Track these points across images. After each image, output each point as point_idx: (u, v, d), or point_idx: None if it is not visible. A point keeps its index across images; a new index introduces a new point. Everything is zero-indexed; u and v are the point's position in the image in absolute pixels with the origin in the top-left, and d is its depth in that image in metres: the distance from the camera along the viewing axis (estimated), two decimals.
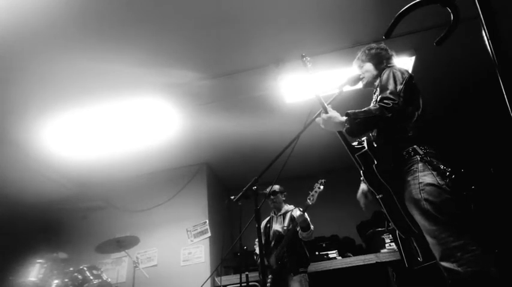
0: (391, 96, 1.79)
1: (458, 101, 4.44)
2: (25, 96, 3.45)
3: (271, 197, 3.65)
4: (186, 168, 5.19)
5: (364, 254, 4.07)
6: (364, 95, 2.51)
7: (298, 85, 3.61)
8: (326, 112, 1.98)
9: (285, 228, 3.51)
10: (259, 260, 3.64)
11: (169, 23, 2.90)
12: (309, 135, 2.47)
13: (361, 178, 2.00)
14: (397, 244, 3.73)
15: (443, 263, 1.59)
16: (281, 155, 2.07)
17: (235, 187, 5.54)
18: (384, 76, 1.97)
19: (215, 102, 3.90)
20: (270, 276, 3.35)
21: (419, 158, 1.78)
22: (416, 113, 1.91)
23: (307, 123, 2.14)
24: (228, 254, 4.59)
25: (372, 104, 2.07)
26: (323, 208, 4.94)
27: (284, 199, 3.78)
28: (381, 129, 1.92)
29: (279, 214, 3.69)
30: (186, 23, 2.93)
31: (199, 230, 4.69)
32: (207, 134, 4.46)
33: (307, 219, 3.31)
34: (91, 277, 3.64)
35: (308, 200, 3.30)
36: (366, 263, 3.90)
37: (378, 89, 2.02)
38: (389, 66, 2.10)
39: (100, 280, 3.66)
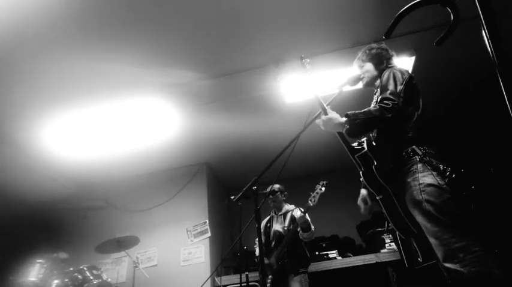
0: (391, 97, 1.79)
1: (458, 101, 4.44)
2: (25, 96, 3.45)
3: (270, 196, 3.63)
4: (186, 168, 5.19)
5: (364, 254, 4.07)
6: (364, 95, 2.51)
7: (298, 85, 3.61)
8: (326, 114, 1.98)
9: (286, 228, 3.51)
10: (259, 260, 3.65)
11: (169, 23, 2.90)
12: (309, 136, 2.47)
13: (361, 179, 2.00)
14: (397, 244, 3.73)
15: (447, 264, 1.59)
16: (281, 155, 2.07)
17: (235, 187, 5.54)
18: (384, 77, 1.96)
19: (215, 102, 3.90)
20: (270, 276, 3.35)
21: (418, 159, 1.78)
22: (416, 114, 1.91)
23: (307, 124, 2.13)
24: (228, 254, 4.59)
25: (372, 105, 2.07)
26: (323, 208, 4.93)
27: (284, 198, 3.77)
28: (381, 129, 1.92)
29: (280, 213, 3.69)
30: (186, 23, 2.93)
31: (199, 230, 4.69)
32: (207, 134, 4.46)
33: (308, 220, 3.30)
34: (91, 277, 3.64)
35: (309, 202, 3.29)
36: (366, 263, 3.90)
37: (379, 89, 2.02)
38: (390, 67, 2.10)
39: (100, 280, 3.66)
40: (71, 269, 3.69)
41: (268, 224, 3.71)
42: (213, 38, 3.11)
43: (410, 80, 1.91)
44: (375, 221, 4.45)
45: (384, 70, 2.13)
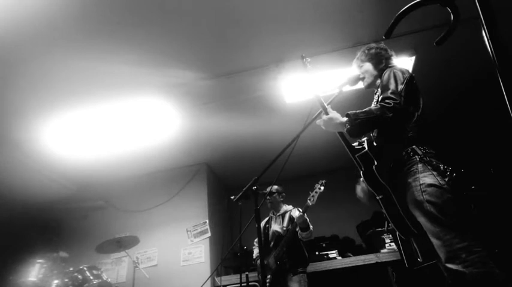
0: (393, 96, 1.78)
1: (458, 101, 4.44)
2: (25, 96, 3.45)
3: (268, 197, 3.63)
4: (186, 168, 5.20)
5: (364, 254, 4.07)
6: (364, 95, 2.51)
7: (298, 85, 3.61)
8: (326, 113, 1.97)
9: (284, 228, 3.51)
10: (257, 261, 3.65)
11: (170, 23, 2.90)
12: (309, 136, 2.47)
13: (361, 179, 2.00)
14: (397, 244, 3.73)
15: (449, 265, 1.58)
16: (281, 155, 2.07)
17: (235, 187, 5.53)
18: (385, 76, 1.96)
19: (215, 102, 3.90)
20: (268, 276, 3.35)
21: (418, 159, 1.77)
22: (416, 114, 1.91)
23: (307, 124, 2.13)
24: (228, 254, 4.59)
25: (373, 104, 2.07)
26: (323, 208, 4.94)
27: (282, 199, 3.77)
28: (382, 129, 1.92)
29: (278, 214, 3.69)
30: (186, 23, 2.93)
31: (199, 230, 4.69)
32: (207, 134, 4.46)
33: (306, 220, 3.31)
34: (91, 277, 3.64)
35: (308, 201, 3.30)
36: (366, 263, 3.90)
37: (379, 89, 2.02)
38: (390, 67, 2.10)
39: (100, 280, 3.66)
40: (71, 269, 3.69)
41: (267, 225, 3.71)
42: (213, 38, 3.11)
43: (411, 80, 1.91)
44: (375, 221, 4.45)
45: (384, 70, 2.13)
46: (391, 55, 2.21)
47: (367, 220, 4.72)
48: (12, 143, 4.02)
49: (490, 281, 1.50)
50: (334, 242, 4.57)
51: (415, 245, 1.98)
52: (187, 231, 4.72)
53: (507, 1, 2.90)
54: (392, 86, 1.85)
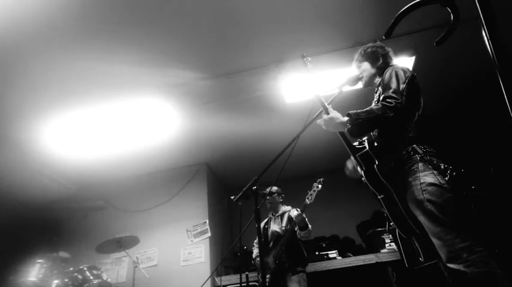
0: (394, 95, 1.78)
1: (458, 100, 4.44)
2: (25, 96, 3.45)
3: (267, 198, 3.65)
4: (186, 168, 5.20)
5: (364, 254, 4.07)
6: (364, 95, 2.51)
7: (298, 85, 3.61)
8: (327, 113, 1.97)
9: (283, 228, 3.52)
10: (257, 260, 3.65)
11: (170, 23, 2.90)
12: (309, 136, 2.47)
13: (362, 179, 2.00)
14: (397, 244, 3.73)
15: (450, 265, 1.58)
16: (281, 155, 2.07)
17: (235, 187, 5.54)
18: (387, 75, 1.95)
19: (215, 102, 3.90)
20: (268, 276, 3.35)
21: (418, 158, 1.77)
22: (417, 113, 1.91)
23: (307, 124, 2.13)
24: (228, 254, 4.59)
25: (374, 104, 2.07)
26: (323, 208, 4.96)
27: (281, 200, 3.79)
28: (383, 129, 1.92)
29: (277, 214, 3.70)
30: (186, 24, 2.93)
31: (199, 230, 4.69)
32: (207, 134, 4.46)
33: (305, 218, 3.32)
34: (91, 277, 3.64)
35: (306, 200, 3.32)
36: (366, 263, 3.90)
37: (380, 88, 2.01)
38: (391, 65, 2.10)
39: (100, 280, 3.66)
40: (71, 269, 3.69)
41: (266, 226, 3.72)
42: (213, 38, 3.11)
43: (413, 79, 1.90)
44: (375, 221, 4.45)
45: (382, 67, 2.13)
46: (388, 51, 2.21)
47: (367, 220, 4.72)
48: (12, 143, 4.02)
49: (491, 281, 1.50)
50: (334, 242, 4.57)
51: (416, 244, 1.98)
52: (187, 231, 4.72)
53: (507, 1, 2.90)
54: (394, 85, 1.84)
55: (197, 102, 3.84)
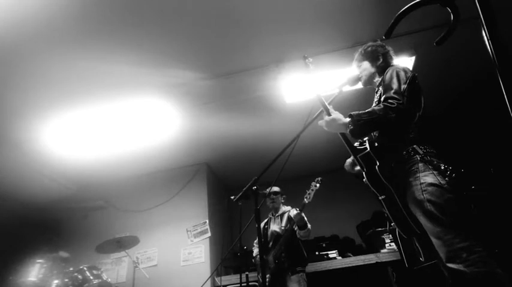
0: (396, 96, 1.77)
1: (458, 100, 4.44)
2: (25, 96, 3.45)
3: (272, 196, 3.68)
4: (186, 168, 5.20)
5: (364, 254, 4.07)
6: (364, 95, 2.51)
7: (298, 85, 3.61)
8: (329, 114, 1.96)
9: (283, 228, 3.52)
10: (257, 259, 3.65)
11: (170, 23, 2.90)
12: (309, 136, 2.47)
13: (364, 179, 2.00)
14: (397, 244, 3.73)
15: (450, 265, 1.58)
16: (281, 155, 2.07)
17: (235, 187, 5.54)
18: (387, 75, 1.94)
19: (215, 102, 3.90)
20: (268, 275, 3.35)
21: (419, 158, 1.77)
22: (418, 114, 1.91)
23: (307, 124, 2.13)
24: (228, 254, 4.59)
25: (374, 103, 2.07)
26: (323, 208, 4.97)
27: (283, 201, 3.81)
28: (384, 129, 1.91)
29: (277, 214, 3.71)
30: (186, 24, 2.93)
31: (199, 230, 4.69)
32: (207, 134, 4.46)
33: (304, 218, 3.33)
34: (91, 277, 3.64)
35: (305, 199, 3.33)
36: (366, 263, 3.90)
37: (381, 88, 2.01)
38: (392, 65, 2.10)
39: (100, 280, 3.66)
40: (71, 269, 3.69)
41: (266, 226, 3.73)
42: (213, 38, 3.11)
43: (414, 79, 1.90)
44: (375, 221, 4.45)
45: (382, 67, 2.13)
46: (388, 51, 2.21)
47: (367, 220, 4.72)
48: (12, 143, 4.02)
49: (491, 281, 1.49)
50: (334, 242, 4.57)
51: (417, 244, 1.98)
52: (187, 231, 4.72)
53: (507, 1, 2.90)
54: (395, 86, 1.84)
55: (197, 102, 3.84)
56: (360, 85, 2.27)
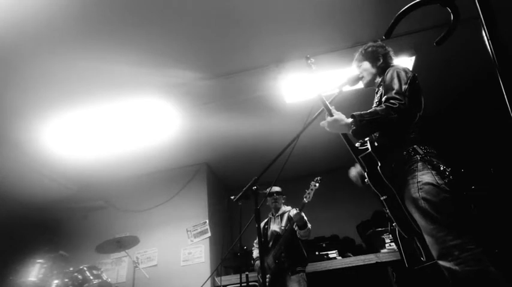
0: (397, 97, 1.77)
1: (459, 100, 4.44)
2: (25, 96, 3.45)
3: (275, 196, 3.68)
4: (186, 168, 5.20)
5: (364, 254, 4.07)
6: (364, 95, 2.51)
7: (298, 85, 3.61)
8: (331, 115, 1.95)
9: (283, 228, 3.52)
10: (256, 263, 3.65)
11: (170, 23, 2.90)
12: (308, 136, 2.47)
13: (366, 180, 2.00)
14: (397, 244, 3.73)
15: (441, 262, 1.59)
16: (281, 155, 2.07)
17: (235, 187, 5.54)
18: (388, 76, 1.95)
19: (215, 102, 3.90)
20: (268, 276, 3.35)
21: (419, 158, 1.78)
22: (418, 114, 1.91)
23: (307, 124, 2.13)
24: (228, 254, 4.59)
25: (374, 103, 2.07)
26: (323, 208, 4.97)
27: (283, 201, 3.81)
28: (386, 130, 1.91)
29: (277, 214, 3.71)
30: (186, 24, 2.93)
31: (199, 230, 4.69)
32: (207, 134, 4.46)
33: (303, 217, 3.32)
34: (91, 277, 3.64)
35: (304, 199, 3.33)
36: (366, 263, 3.90)
37: (381, 88, 2.01)
38: (392, 66, 2.10)
39: (100, 280, 3.66)
40: (71, 269, 3.69)
41: (266, 226, 3.73)
42: (213, 38, 3.11)
43: (414, 80, 1.90)
44: (375, 221, 4.45)
45: (382, 67, 2.13)
46: (388, 51, 2.21)
47: (367, 220, 4.72)
48: (12, 143, 4.02)
49: (483, 280, 1.49)
50: (334, 242, 4.57)
51: (418, 244, 1.98)
52: (187, 231, 4.72)
53: (507, 1, 2.90)
54: (396, 86, 1.84)
55: (197, 102, 3.84)
56: (360, 85, 2.27)
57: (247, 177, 2.04)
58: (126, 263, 4.67)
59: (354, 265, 3.94)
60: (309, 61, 2.18)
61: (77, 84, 3.40)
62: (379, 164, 1.85)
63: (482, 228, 2.99)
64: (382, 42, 2.28)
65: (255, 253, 3.80)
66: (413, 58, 3.43)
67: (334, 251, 4.29)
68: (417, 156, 1.79)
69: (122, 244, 3.92)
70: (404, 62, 3.41)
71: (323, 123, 2.00)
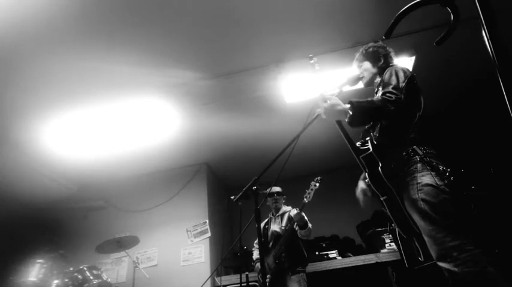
0: (394, 91, 1.78)
1: (459, 100, 4.44)
2: (25, 96, 3.45)
3: (276, 196, 3.68)
4: (186, 168, 5.20)
5: (364, 254, 4.07)
6: (364, 95, 2.50)
7: (298, 85, 3.60)
8: (325, 102, 1.94)
9: (283, 228, 3.52)
10: (257, 264, 3.64)
11: (170, 23, 2.90)
12: (308, 135, 2.47)
13: (366, 180, 1.99)
14: (397, 244, 3.73)
15: (440, 263, 1.59)
16: (281, 155, 2.07)
17: (235, 187, 5.54)
18: (387, 74, 1.95)
19: (215, 102, 3.90)
20: (268, 276, 3.35)
21: (418, 159, 1.77)
22: (418, 114, 1.91)
23: (307, 124, 2.13)
24: (228, 254, 4.59)
25: None
26: (323, 208, 4.96)
27: (284, 201, 3.81)
28: (384, 129, 1.91)
29: (277, 214, 3.71)
30: (186, 24, 2.93)
31: (199, 230, 4.69)
32: (207, 134, 4.46)
33: (304, 217, 3.32)
34: (91, 277, 3.64)
35: (304, 198, 3.32)
36: (366, 263, 3.90)
37: (380, 88, 2.01)
38: (391, 65, 2.10)
39: (100, 280, 3.66)
40: (71, 269, 3.69)
41: (266, 226, 3.73)
42: (213, 38, 3.11)
43: (412, 79, 1.91)
44: (375, 221, 4.45)
45: (383, 67, 2.13)
46: (389, 52, 2.21)
47: (367, 220, 4.71)
48: (12, 143, 4.02)
49: (481, 280, 1.49)
50: (334, 242, 4.57)
51: (417, 244, 1.98)
52: (187, 231, 4.72)
53: (507, 1, 2.90)
54: (394, 82, 1.84)
55: (197, 102, 3.84)
56: (360, 85, 2.27)
57: (247, 177, 2.04)
58: (126, 263, 4.67)
59: (354, 265, 3.94)
60: (312, 60, 2.18)
61: (77, 84, 3.40)
62: (380, 165, 1.85)
63: (482, 228, 2.98)
64: (383, 42, 2.28)
65: (255, 254, 3.79)
66: (413, 58, 3.43)
67: (334, 251, 4.29)
68: (416, 157, 1.78)
69: (122, 244, 3.92)
70: (404, 62, 3.41)
71: (319, 109, 1.99)
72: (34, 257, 3.76)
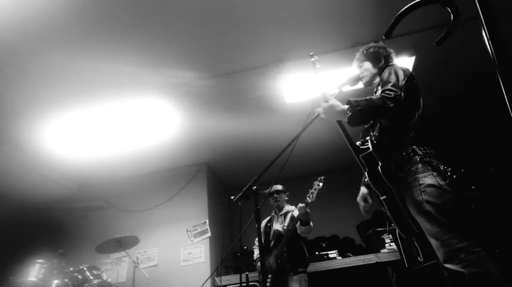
0: (393, 88, 1.78)
1: (458, 100, 4.44)
2: (25, 96, 3.45)
3: (275, 195, 3.65)
4: (186, 168, 5.20)
5: (364, 254, 4.07)
6: (364, 95, 2.50)
7: (298, 85, 3.60)
8: (326, 101, 1.95)
9: (285, 227, 3.50)
10: (258, 263, 3.63)
11: (169, 23, 2.90)
12: (308, 136, 2.47)
13: (365, 179, 1.99)
14: (397, 244, 3.73)
15: (448, 265, 1.58)
16: (281, 155, 2.07)
17: (235, 187, 5.53)
18: (386, 73, 1.96)
19: (215, 102, 3.90)
20: (269, 276, 3.34)
21: (418, 159, 1.77)
22: (417, 114, 1.91)
23: (307, 124, 2.13)
24: (228, 254, 4.59)
25: None
26: (323, 208, 4.95)
27: (286, 199, 3.77)
28: (384, 128, 1.91)
29: (280, 213, 3.68)
30: (186, 23, 2.93)
31: (199, 230, 4.69)
32: (207, 134, 4.46)
33: (308, 213, 3.25)
34: (91, 277, 3.64)
35: (307, 198, 3.28)
36: (366, 263, 3.90)
37: (379, 87, 2.01)
38: (390, 65, 2.10)
39: (100, 280, 3.66)
40: (71, 269, 3.69)
41: (269, 224, 3.71)
42: (213, 38, 3.11)
43: (412, 78, 1.91)
44: (375, 221, 4.45)
45: (383, 68, 2.13)
46: (390, 53, 2.21)
47: (367, 220, 4.71)
48: (12, 143, 4.02)
49: (488, 282, 1.50)
50: (334, 242, 4.57)
51: (416, 244, 1.98)
52: (187, 231, 4.72)
53: (507, 1, 2.90)
54: (393, 80, 1.85)
55: (197, 102, 3.84)
56: (360, 85, 2.27)
57: (247, 177, 2.04)
58: (126, 263, 4.67)
59: (354, 265, 3.93)
60: (313, 59, 2.18)
61: (77, 84, 3.40)
62: (380, 164, 1.85)
63: (482, 228, 2.99)
64: (383, 42, 2.28)
65: (256, 252, 3.78)
66: (413, 58, 3.43)
67: (334, 251, 4.28)
68: (416, 157, 1.78)
69: (122, 244, 3.91)
70: (404, 62, 3.41)
71: (319, 109, 2.00)
72: (34, 257, 3.75)
